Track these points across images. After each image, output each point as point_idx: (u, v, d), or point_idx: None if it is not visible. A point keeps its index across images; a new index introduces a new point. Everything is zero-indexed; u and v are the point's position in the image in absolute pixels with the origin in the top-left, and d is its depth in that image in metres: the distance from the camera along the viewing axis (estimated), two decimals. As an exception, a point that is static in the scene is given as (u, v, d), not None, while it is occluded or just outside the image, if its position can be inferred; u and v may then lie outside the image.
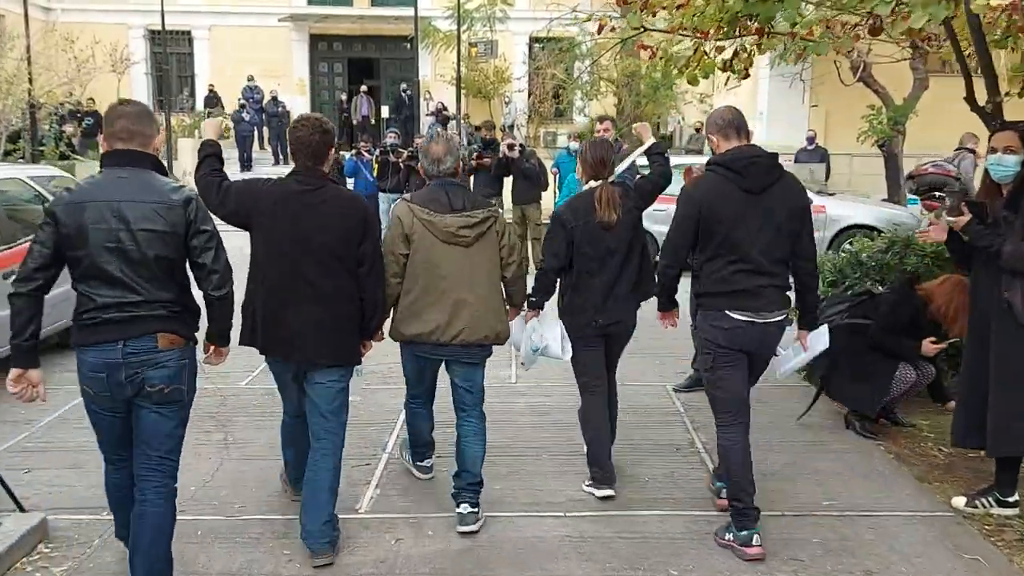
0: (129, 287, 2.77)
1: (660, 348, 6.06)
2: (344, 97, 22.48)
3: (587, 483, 3.98)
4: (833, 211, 10.09)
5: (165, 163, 4.53)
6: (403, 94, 21.84)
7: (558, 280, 3.93)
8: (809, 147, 14.78)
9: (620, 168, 4.43)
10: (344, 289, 3.32)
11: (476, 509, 3.63)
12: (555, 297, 3.99)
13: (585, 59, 19.25)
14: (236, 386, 5.50)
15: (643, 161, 4.42)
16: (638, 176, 4.69)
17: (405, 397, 4.01)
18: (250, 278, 3.35)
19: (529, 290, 3.93)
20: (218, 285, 2.92)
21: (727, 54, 4.59)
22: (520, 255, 3.88)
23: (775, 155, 3.51)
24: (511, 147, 9.73)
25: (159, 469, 2.92)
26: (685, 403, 5.27)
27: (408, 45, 24.37)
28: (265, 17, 22.74)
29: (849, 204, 10.82)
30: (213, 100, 21.18)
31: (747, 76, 4.63)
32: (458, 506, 3.62)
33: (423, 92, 22.91)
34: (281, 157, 20.32)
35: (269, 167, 20.46)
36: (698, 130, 18.15)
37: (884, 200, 11.88)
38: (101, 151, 2.92)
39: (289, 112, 21.53)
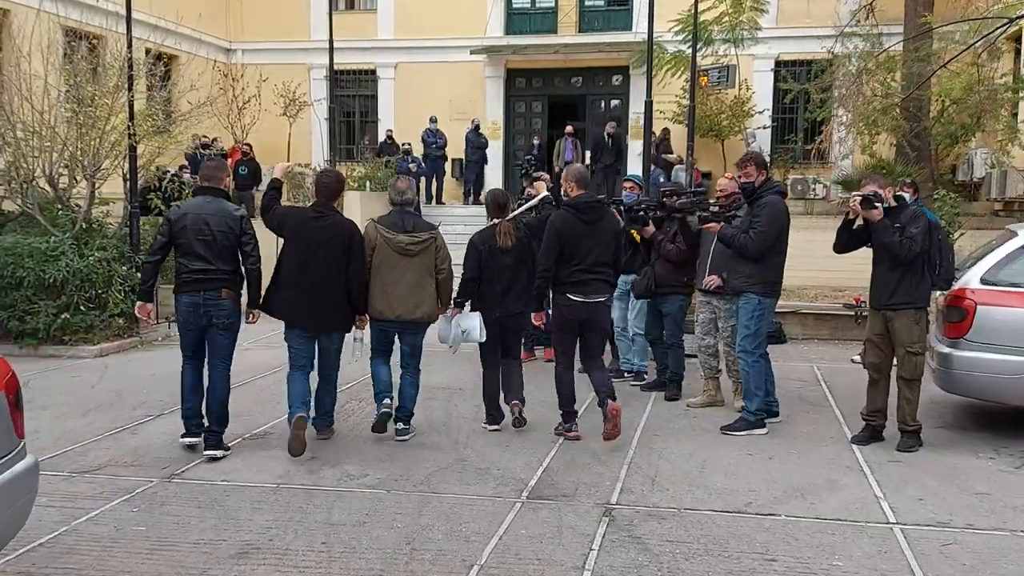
0: (208, 260, 5.12)
1: None
2: (536, 141, 18.66)
3: (484, 423, 5.97)
4: None
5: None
6: (606, 136, 17.38)
7: (475, 286, 5.75)
8: None
9: (515, 212, 6.22)
10: (338, 281, 5.27)
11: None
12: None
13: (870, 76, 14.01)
14: None
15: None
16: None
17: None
18: (274, 270, 5.34)
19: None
20: (252, 263, 5.25)
21: None
22: (450, 265, 5.56)
23: (603, 200, 6.11)
24: (870, 201, 4.97)
25: (223, 362, 5.30)
26: None
27: (619, 78, 20.39)
28: (456, 51, 19.50)
29: None
30: (390, 147, 18.04)
31: None
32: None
33: (642, 132, 18.53)
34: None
35: (458, 208, 17.39)
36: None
37: None
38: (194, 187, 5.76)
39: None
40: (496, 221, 5.73)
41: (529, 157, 18.32)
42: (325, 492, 4.64)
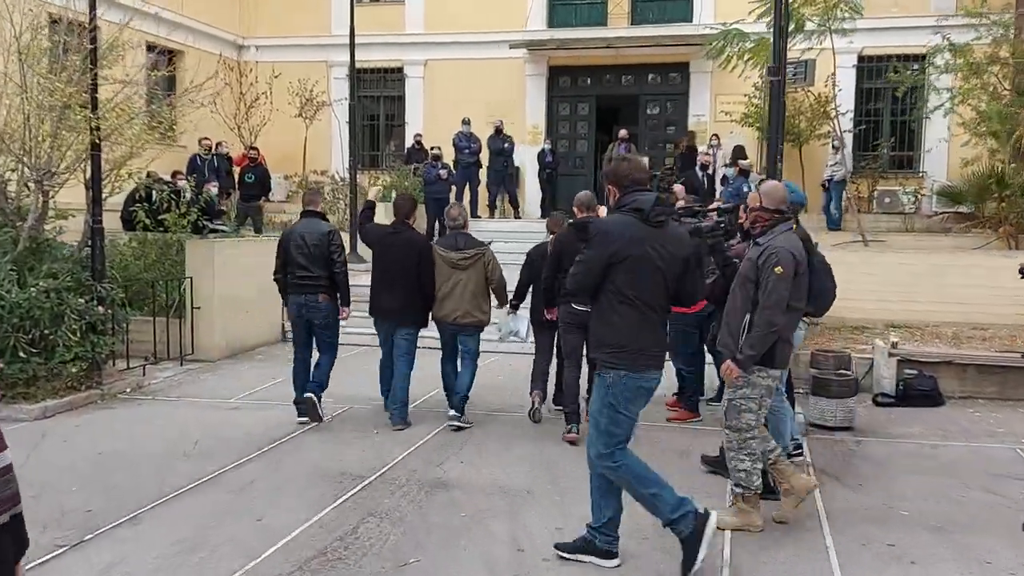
0: (308, 269, 6.39)
1: None
2: (547, 146, 16.52)
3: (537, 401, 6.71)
4: None
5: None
6: (700, 174, 14.23)
7: (525, 291, 6.72)
8: None
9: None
10: (413, 285, 6.37)
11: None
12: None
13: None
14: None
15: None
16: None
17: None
18: (372, 278, 6.67)
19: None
20: (339, 268, 6.46)
21: None
22: (501, 274, 6.53)
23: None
24: None
25: (328, 352, 6.63)
26: None
27: (676, 77, 18.11)
28: (493, 47, 17.37)
29: None
30: (419, 153, 15.90)
31: None
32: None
33: (705, 136, 16.30)
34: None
35: (489, 224, 14.82)
36: None
37: None
38: (301, 211, 6.79)
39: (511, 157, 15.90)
40: (550, 236, 6.64)
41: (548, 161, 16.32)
42: None
